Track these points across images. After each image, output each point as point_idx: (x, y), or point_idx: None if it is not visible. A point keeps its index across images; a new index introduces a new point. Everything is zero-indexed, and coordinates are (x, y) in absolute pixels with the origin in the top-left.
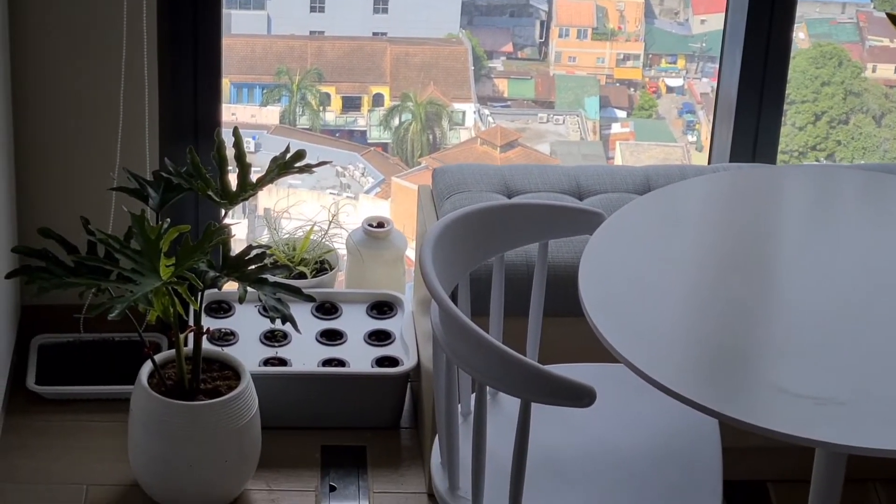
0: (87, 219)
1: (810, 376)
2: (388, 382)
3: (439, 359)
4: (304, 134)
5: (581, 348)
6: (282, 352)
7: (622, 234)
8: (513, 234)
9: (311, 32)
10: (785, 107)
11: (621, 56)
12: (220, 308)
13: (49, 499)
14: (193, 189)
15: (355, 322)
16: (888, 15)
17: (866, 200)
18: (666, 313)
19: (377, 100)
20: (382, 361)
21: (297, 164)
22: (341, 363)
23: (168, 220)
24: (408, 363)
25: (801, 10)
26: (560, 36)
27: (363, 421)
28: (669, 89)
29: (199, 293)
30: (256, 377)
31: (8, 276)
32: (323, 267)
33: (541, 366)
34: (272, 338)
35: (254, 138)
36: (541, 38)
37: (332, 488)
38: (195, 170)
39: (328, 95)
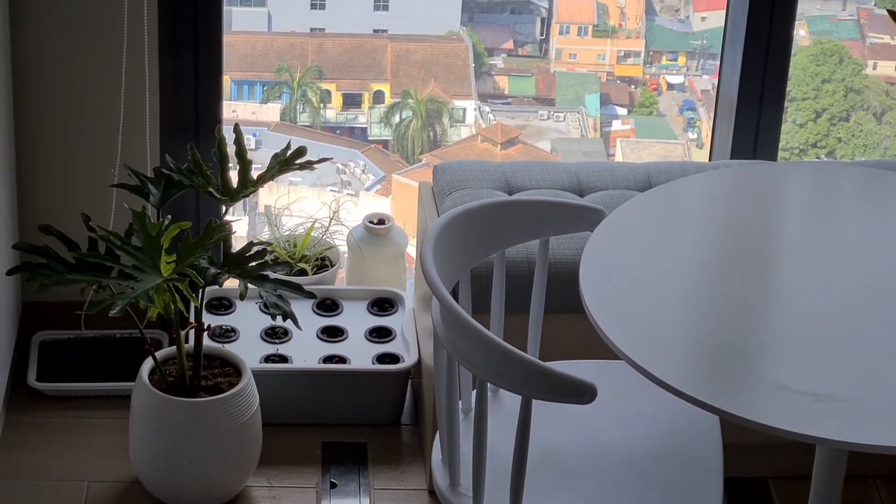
0: (87, 215)
1: (811, 373)
2: (389, 379)
3: (440, 355)
4: (304, 131)
5: (582, 345)
6: (282, 348)
7: (623, 230)
8: (514, 230)
9: (311, 29)
10: (786, 104)
11: (622, 53)
12: (221, 305)
13: (50, 495)
14: (194, 186)
15: (356, 319)
16: (889, 12)
17: (867, 197)
18: (667, 310)
19: (378, 97)
20: (383, 358)
21: (298, 161)
22: (342, 360)
23: (169, 216)
24: (408, 360)
25: (801, 8)
26: (561, 33)
27: (364, 418)
28: (670, 86)
29: (200, 290)
30: (257, 374)
31: (9, 273)
32: (324, 264)
33: (542, 363)
34: (273, 334)
35: (254, 135)
36: (541, 35)
37: (333, 485)
38: (196, 166)
39: (329, 92)
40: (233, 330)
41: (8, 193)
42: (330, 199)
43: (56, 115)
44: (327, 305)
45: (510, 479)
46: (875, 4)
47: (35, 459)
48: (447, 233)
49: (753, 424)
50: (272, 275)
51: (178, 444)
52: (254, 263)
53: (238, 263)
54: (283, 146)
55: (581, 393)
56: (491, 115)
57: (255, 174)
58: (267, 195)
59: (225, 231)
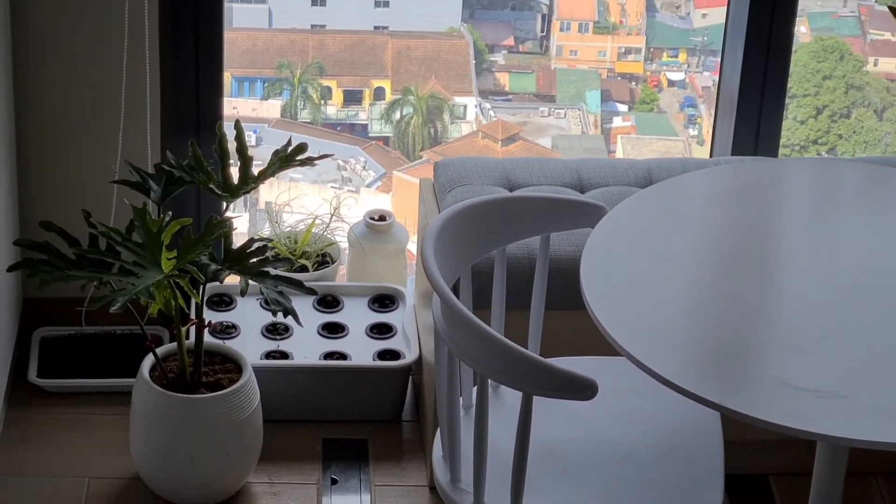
0: (88, 212)
1: (812, 369)
2: (390, 375)
3: (441, 352)
4: (305, 127)
5: (582, 341)
6: (283, 345)
7: (624, 227)
8: (514, 227)
9: (312, 26)
10: (786, 101)
11: (623, 50)
12: (222, 301)
13: (51, 492)
14: (195, 182)
15: (357, 315)
16: (890, 8)
17: (868, 194)
18: (668, 307)
19: (378, 93)
20: (384, 355)
21: (299, 158)
22: (343, 356)
23: (170, 213)
24: (409, 356)
25: (802, 4)
26: (561, 30)
27: (365, 414)
28: (671, 83)
29: (201, 286)
30: (258, 370)
31: (10, 269)
32: (324, 260)
33: (542, 359)
34: (274, 331)
35: (255, 132)
36: (542, 31)
37: (334, 481)
38: (197, 163)
39: (329, 89)
40: (233, 326)
41: (9, 189)
42: (331, 196)
43: (57, 112)
44: (328, 302)
45: (511, 475)
46: (876, 1)
47: (36, 456)
48: (448, 229)
49: (754, 421)
50: (273, 271)
51: (179, 441)
52: (254, 260)
53: (239, 260)
54: (284, 143)
55: (582, 389)
56: (492, 112)
57: (255, 171)
58: (268, 192)
59: (226, 227)
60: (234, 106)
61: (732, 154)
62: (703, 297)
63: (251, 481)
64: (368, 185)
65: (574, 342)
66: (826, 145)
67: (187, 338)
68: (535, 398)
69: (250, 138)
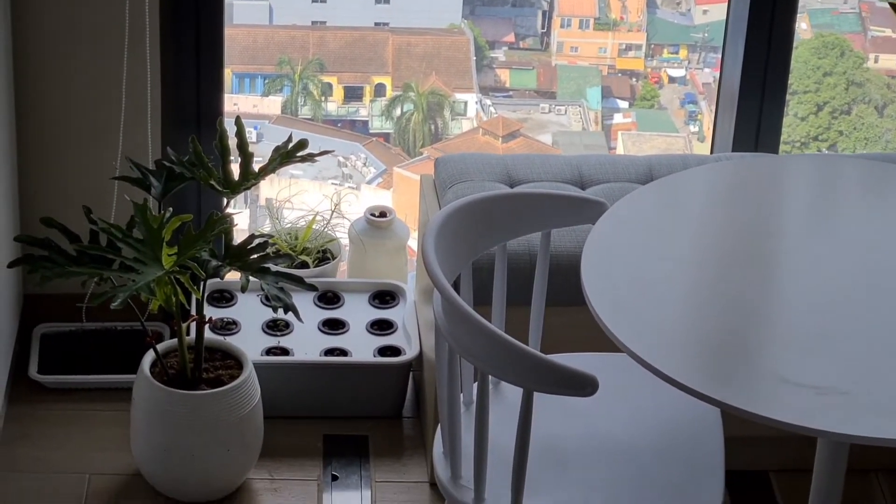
0: (89, 208)
1: (812, 366)
2: (391, 372)
3: (441, 348)
4: (305, 124)
5: (583, 338)
6: (284, 341)
7: (624, 223)
8: (515, 223)
9: (312, 22)
10: (787, 97)
11: (623, 46)
12: (223, 297)
13: (51, 488)
14: (196, 178)
15: (357, 311)
16: (891, 5)
17: (868, 190)
18: (668, 303)
19: (379, 90)
20: (385, 351)
21: (300, 154)
22: (343, 353)
23: (170, 209)
24: (410, 353)
25: (803, 1)
26: (562, 26)
27: (365, 410)
28: (671, 79)
29: (202, 282)
30: (258, 366)
31: (10, 266)
32: (325, 256)
33: (543, 355)
34: (274, 327)
35: (255, 128)
36: (543, 28)
37: (335, 477)
38: (197, 159)
39: (330, 85)
40: (234, 322)
41: (9, 186)
42: (331, 192)
43: (57, 108)
44: (329, 298)
45: (511, 471)
46: None
47: (36, 452)
48: (449, 225)
49: (755, 417)
50: (273, 267)
51: (180, 437)
52: (255, 256)
53: (239, 256)
54: (285, 139)
55: (582, 385)
56: (492, 109)
57: (256, 167)
58: (268, 188)
59: (226, 223)
60: (235, 102)
61: (733, 150)
62: (704, 293)
63: (252, 477)
64: (369, 182)
65: (575, 338)
66: (827, 142)
67: (188, 334)
68: (536, 394)
69: (251, 135)
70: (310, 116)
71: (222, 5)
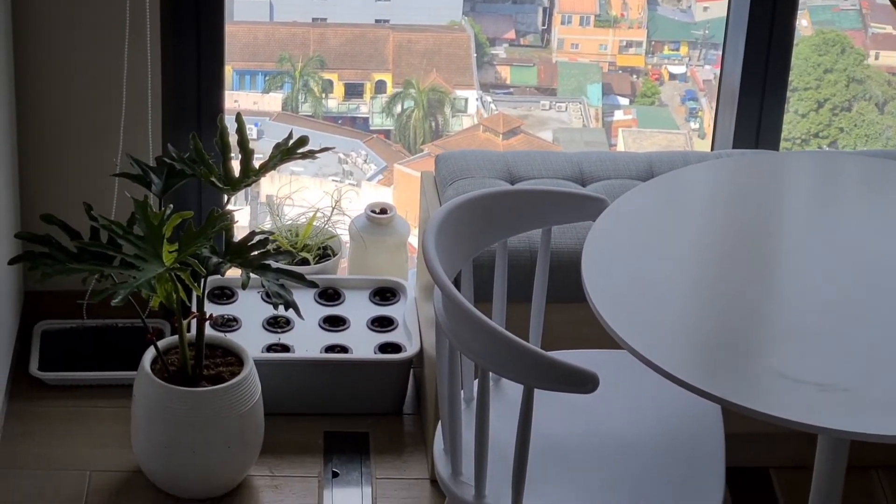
0: (90, 205)
1: (813, 362)
2: (391, 369)
3: (442, 345)
4: (306, 121)
5: (584, 334)
6: (284, 338)
7: (625, 220)
8: (516, 220)
9: (313, 19)
10: (788, 94)
11: (624, 43)
12: (223, 294)
13: (52, 485)
14: (196, 175)
15: (358, 308)
16: (891, 2)
17: (869, 187)
18: (669, 300)
19: (380, 87)
20: (385, 348)
21: (300, 151)
22: (344, 349)
23: (171, 206)
24: (411, 349)
25: None
26: (563, 23)
27: (366, 407)
28: (672, 76)
29: (202, 279)
30: (259, 363)
31: (11, 262)
32: (326, 253)
33: (544, 352)
34: (275, 324)
35: (256, 125)
36: (543, 25)
37: (335, 474)
38: (198, 156)
39: (331, 82)
40: (235, 319)
41: (10, 183)
42: (332, 189)
43: (58, 105)
44: (329, 295)
45: (512, 468)
46: None
47: (37, 449)
48: (449, 222)
49: (755, 414)
50: (274, 264)
51: (180, 434)
52: (256, 253)
53: (240, 253)
54: (285, 136)
55: (583, 382)
56: (493, 105)
57: (256, 164)
58: (269, 185)
59: (227, 220)
60: (236, 99)
61: (734, 147)
62: (705, 290)
63: (252, 474)
64: (369, 179)
65: (575, 335)
66: (827, 139)
67: (188, 331)
68: (536, 391)
69: (251, 131)
70: (310, 113)
71: (223, 2)
